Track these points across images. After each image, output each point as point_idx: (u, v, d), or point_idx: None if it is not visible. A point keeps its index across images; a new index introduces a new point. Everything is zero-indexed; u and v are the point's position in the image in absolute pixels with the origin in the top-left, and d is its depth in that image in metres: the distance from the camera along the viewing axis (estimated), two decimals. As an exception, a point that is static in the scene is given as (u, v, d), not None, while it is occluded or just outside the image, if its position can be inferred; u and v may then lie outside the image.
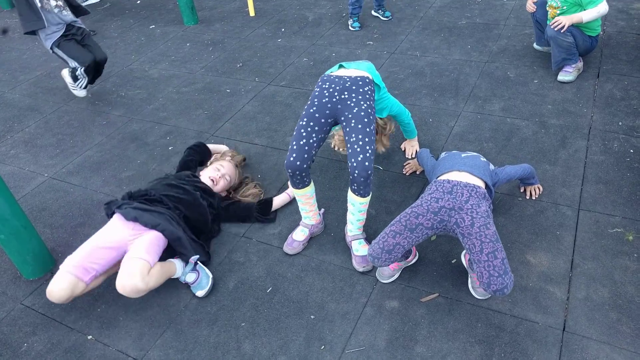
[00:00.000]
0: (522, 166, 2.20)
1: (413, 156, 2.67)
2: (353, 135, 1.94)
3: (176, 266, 2.07)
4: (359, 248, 2.10)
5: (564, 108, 2.90)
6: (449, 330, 1.81)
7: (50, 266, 2.28)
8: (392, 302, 1.94)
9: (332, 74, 2.18)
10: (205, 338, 1.90)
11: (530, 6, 3.28)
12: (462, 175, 1.95)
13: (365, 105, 2.01)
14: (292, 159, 1.99)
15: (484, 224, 1.75)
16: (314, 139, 2.02)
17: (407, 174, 2.56)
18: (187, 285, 2.11)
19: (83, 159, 3.06)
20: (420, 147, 2.72)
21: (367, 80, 2.11)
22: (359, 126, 1.95)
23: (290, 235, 2.23)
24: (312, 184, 2.13)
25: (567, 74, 3.11)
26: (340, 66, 2.25)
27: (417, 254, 2.09)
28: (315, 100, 2.08)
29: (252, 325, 1.92)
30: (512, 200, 2.31)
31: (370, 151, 1.91)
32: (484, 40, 3.79)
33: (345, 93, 2.05)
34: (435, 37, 3.96)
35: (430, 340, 1.78)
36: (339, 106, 2.04)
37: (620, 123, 2.72)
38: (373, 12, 4.44)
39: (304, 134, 2.01)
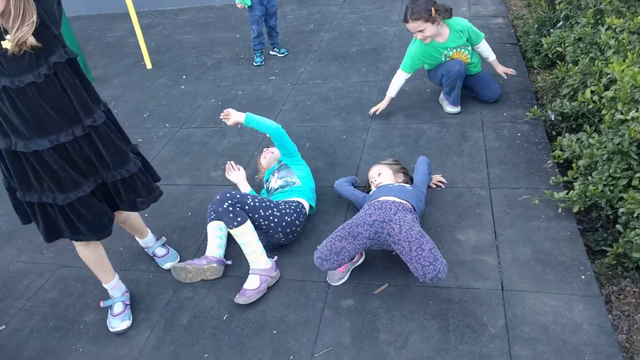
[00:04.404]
0: (421, 163, 2.46)
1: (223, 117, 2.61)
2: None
3: (148, 234, 2.36)
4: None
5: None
6: (405, 313, 1.92)
7: (-28, 347, 2.04)
8: (348, 301, 2.01)
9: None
10: (168, 379, 1.82)
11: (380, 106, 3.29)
12: (391, 197, 2.17)
13: None
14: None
15: (409, 227, 1.94)
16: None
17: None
18: (135, 332, 2.01)
19: (-11, 231, 2.81)
20: (334, 179, 2.69)
21: None
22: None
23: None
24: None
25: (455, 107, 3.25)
26: None
27: (364, 253, 2.20)
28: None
29: (216, 353, 1.88)
30: (433, 191, 2.53)
31: None
32: (376, 62, 4.15)
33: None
34: (332, 65, 4.26)
35: (391, 326, 1.87)
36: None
37: (504, 114, 3.12)
38: (270, 52, 4.66)
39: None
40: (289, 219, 2.22)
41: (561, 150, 2.30)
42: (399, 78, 3.20)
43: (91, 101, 1.74)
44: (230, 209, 2.07)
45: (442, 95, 3.29)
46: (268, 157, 2.75)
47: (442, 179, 2.58)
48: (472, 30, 3.10)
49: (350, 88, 3.80)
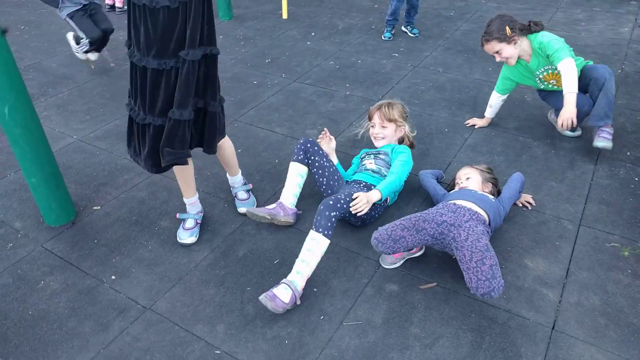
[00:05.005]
0: (514, 180, 2.32)
1: (357, 210, 2.13)
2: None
3: (239, 173, 2.46)
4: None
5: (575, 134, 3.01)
6: (443, 316, 1.90)
7: (72, 216, 2.40)
8: (392, 286, 2.03)
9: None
10: (211, 297, 2.00)
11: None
12: (468, 203, 2.10)
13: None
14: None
15: (476, 238, 1.88)
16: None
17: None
18: (197, 248, 2.22)
19: (112, 126, 3.21)
20: (423, 168, 2.66)
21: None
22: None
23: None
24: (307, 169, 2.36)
25: (606, 140, 2.64)
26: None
27: (424, 248, 2.19)
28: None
29: (257, 290, 2.02)
30: (516, 209, 2.41)
31: None
32: (506, 64, 3.92)
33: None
34: (459, 57, 4.10)
35: (425, 323, 1.87)
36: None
37: (628, 153, 2.82)
38: (402, 28, 4.61)
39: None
40: (371, 212, 2.27)
41: (676, 208, 2.05)
42: (493, 98, 3.03)
43: (200, 39, 1.81)
44: (333, 219, 2.00)
45: (552, 116, 3.05)
46: (380, 142, 2.58)
47: (531, 201, 2.44)
48: (548, 46, 2.55)
49: (470, 84, 3.66)
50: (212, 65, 1.92)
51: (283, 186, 2.60)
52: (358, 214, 2.14)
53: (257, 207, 2.41)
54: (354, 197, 2.13)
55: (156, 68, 1.80)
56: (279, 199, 2.40)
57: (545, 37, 2.64)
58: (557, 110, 2.80)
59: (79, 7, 3.63)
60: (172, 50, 1.79)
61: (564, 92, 2.55)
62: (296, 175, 2.38)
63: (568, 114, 2.54)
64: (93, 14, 3.74)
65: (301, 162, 2.37)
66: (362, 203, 2.11)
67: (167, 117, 1.87)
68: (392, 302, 1.96)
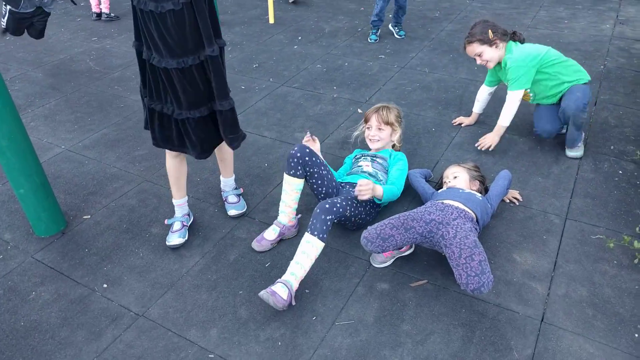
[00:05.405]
0: (502, 177, 2.37)
1: (360, 192, 2.15)
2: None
3: (233, 176, 2.49)
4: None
5: (561, 129, 3.05)
6: (434, 313, 1.92)
7: (61, 226, 2.39)
8: (383, 285, 2.05)
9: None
10: (204, 302, 2.00)
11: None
12: (456, 202, 2.13)
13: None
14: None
15: (464, 235, 1.90)
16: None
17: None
18: (188, 254, 2.22)
19: (99, 135, 3.21)
20: (411, 168, 2.67)
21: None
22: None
23: (262, 233, 2.28)
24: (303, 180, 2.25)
25: (577, 149, 2.80)
26: None
27: (413, 246, 2.21)
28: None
29: (249, 293, 2.03)
30: (504, 205, 2.44)
31: None
32: (490, 63, 3.97)
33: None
34: (444, 57, 4.15)
35: (416, 320, 1.89)
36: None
37: (612, 147, 2.87)
38: (390, 26, 4.64)
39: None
40: (366, 217, 2.28)
41: (658, 199, 2.09)
42: (481, 93, 3.08)
43: (213, 33, 1.91)
44: (329, 222, 1.99)
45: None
46: (375, 145, 2.58)
47: (518, 196, 2.47)
48: (509, 71, 2.65)
49: (456, 83, 3.70)
50: (223, 57, 2.01)
51: (273, 189, 2.62)
52: (359, 197, 2.15)
53: (256, 241, 2.26)
54: (359, 182, 2.14)
55: (176, 67, 1.89)
56: (271, 201, 2.41)
57: (510, 60, 2.66)
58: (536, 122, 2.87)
59: (34, 8, 3.58)
60: (189, 49, 1.88)
61: (498, 121, 2.79)
62: (294, 190, 2.24)
63: (489, 139, 2.83)
64: (41, 22, 3.69)
65: (299, 177, 2.22)
66: (366, 187, 2.13)
67: (202, 108, 2.01)
68: (383, 300, 1.98)
